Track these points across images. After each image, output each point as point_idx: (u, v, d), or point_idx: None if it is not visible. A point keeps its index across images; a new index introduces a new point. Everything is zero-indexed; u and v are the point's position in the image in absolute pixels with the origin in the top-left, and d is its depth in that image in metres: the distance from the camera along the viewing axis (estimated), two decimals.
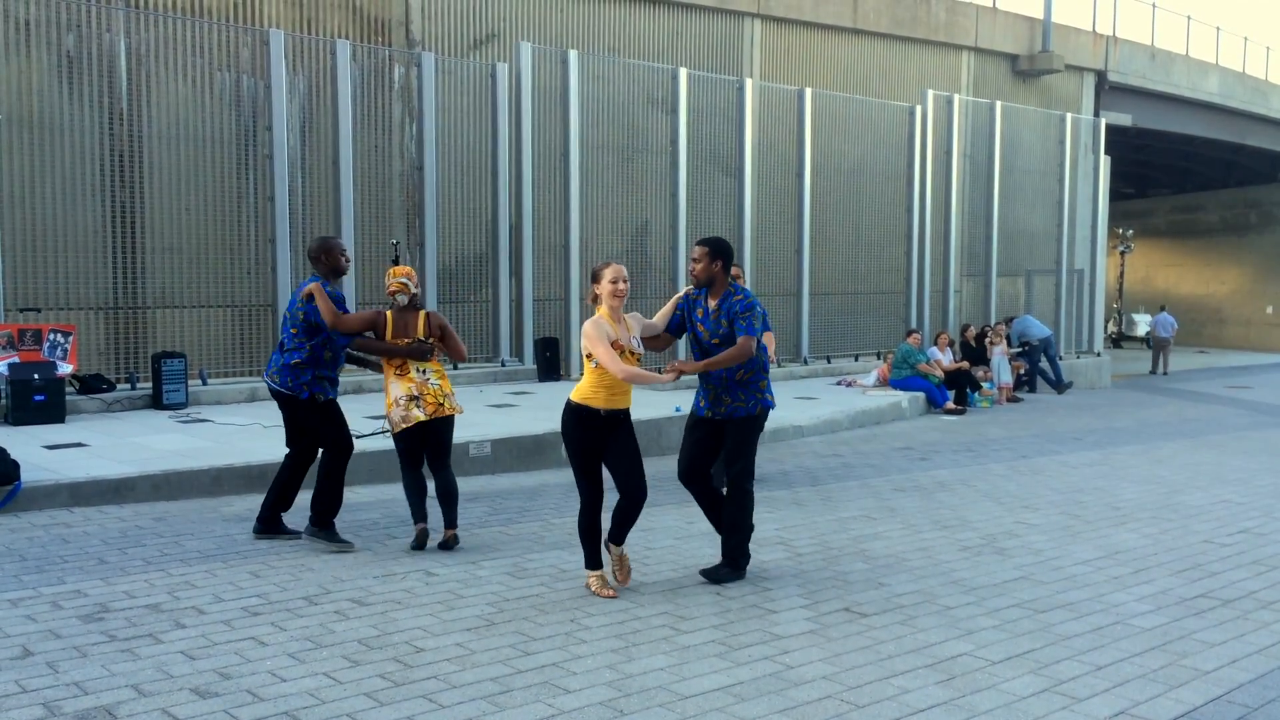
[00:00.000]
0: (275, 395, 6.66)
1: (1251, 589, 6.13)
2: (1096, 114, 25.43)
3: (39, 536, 6.66)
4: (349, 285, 12.92)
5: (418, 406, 6.49)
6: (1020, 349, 18.55)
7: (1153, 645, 5.10)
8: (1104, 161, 22.60)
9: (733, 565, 6.08)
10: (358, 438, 9.27)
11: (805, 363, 17.06)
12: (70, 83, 11.54)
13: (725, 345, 5.87)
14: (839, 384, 15.91)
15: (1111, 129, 24.77)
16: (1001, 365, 17.31)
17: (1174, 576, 6.38)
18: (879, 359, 16.22)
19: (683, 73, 15.65)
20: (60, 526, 6.93)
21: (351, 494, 8.21)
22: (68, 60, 11.52)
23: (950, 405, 15.35)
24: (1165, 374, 25.89)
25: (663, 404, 11.81)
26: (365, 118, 13.42)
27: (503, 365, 14.26)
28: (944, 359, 16.30)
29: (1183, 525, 7.84)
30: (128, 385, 11.51)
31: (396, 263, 9.91)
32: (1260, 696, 4.50)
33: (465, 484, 8.83)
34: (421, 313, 6.71)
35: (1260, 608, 5.76)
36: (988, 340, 17.78)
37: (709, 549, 6.75)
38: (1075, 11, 26.16)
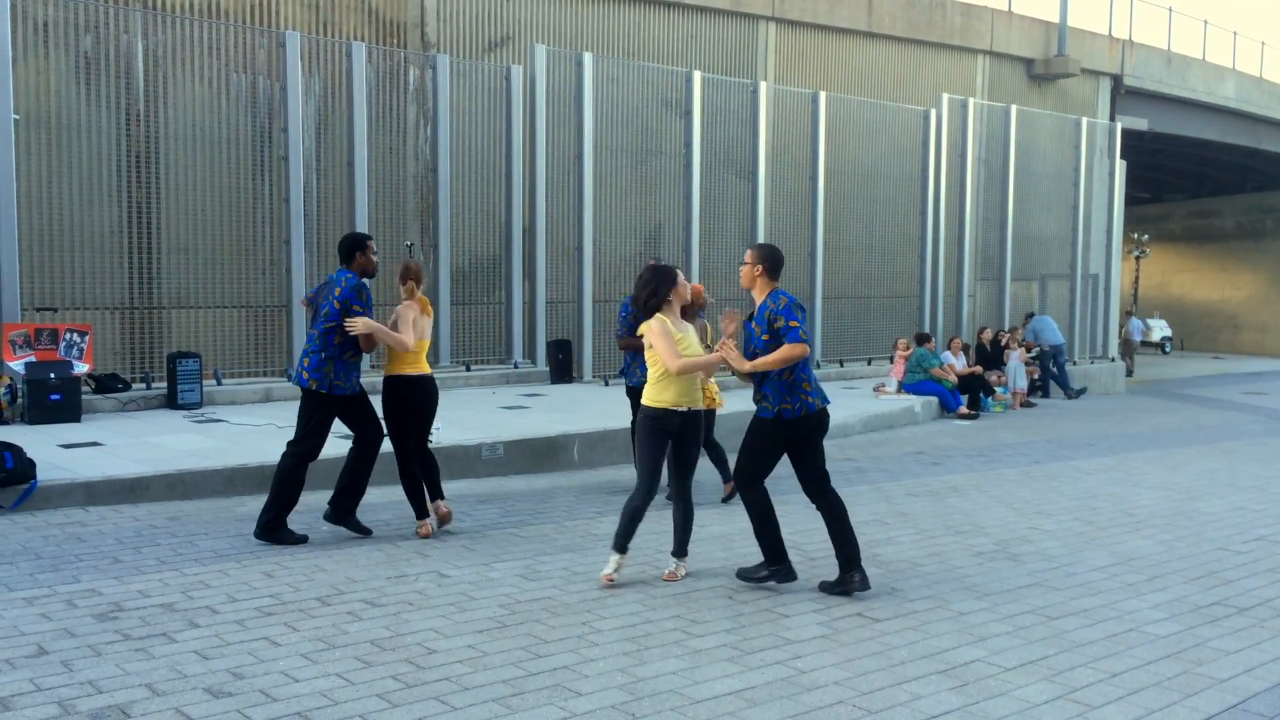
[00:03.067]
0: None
1: (1267, 597, 6.10)
2: (1112, 118, 25.35)
3: (54, 535, 6.70)
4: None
5: None
6: (1033, 355, 18.49)
7: (1167, 653, 5.08)
8: (1119, 166, 22.52)
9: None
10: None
11: (818, 366, 17.04)
12: (87, 84, 11.61)
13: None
14: (874, 390, 15.70)
15: (1127, 133, 24.70)
16: (1017, 370, 17.25)
17: (1189, 584, 6.35)
18: (890, 362, 16.20)
19: (697, 76, 15.65)
20: (75, 525, 6.97)
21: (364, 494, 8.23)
22: (85, 61, 11.59)
23: (963, 410, 15.30)
24: (1129, 375, 25.84)
25: None
26: (380, 120, 13.46)
27: (515, 367, 14.28)
28: (957, 363, 16.25)
29: (1197, 532, 7.80)
30: (143, 385, 11.56)
31: None
32: (1276, 705, 4.47)
33: (477, 486, 8.85)
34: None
35: (1276, 615, 5.73)
36: (1004, 345, 17.72)
37: (720, 552, 6.75)
38: (1091, 16, 26.21)
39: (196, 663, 4.57)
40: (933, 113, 18.75)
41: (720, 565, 6.44)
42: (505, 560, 6.42)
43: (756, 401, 5.89)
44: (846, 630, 5.26)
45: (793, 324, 5.72)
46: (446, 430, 9.53)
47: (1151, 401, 19.43)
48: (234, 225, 12.52)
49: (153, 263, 12.08)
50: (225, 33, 12.47)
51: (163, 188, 12.07)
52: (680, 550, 6.16)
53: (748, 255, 6.03)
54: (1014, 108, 20.15)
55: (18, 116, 10.89)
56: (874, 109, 18.42)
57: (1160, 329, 39.11)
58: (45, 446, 8.63)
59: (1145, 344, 38.58)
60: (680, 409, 5.90)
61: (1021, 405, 17.05)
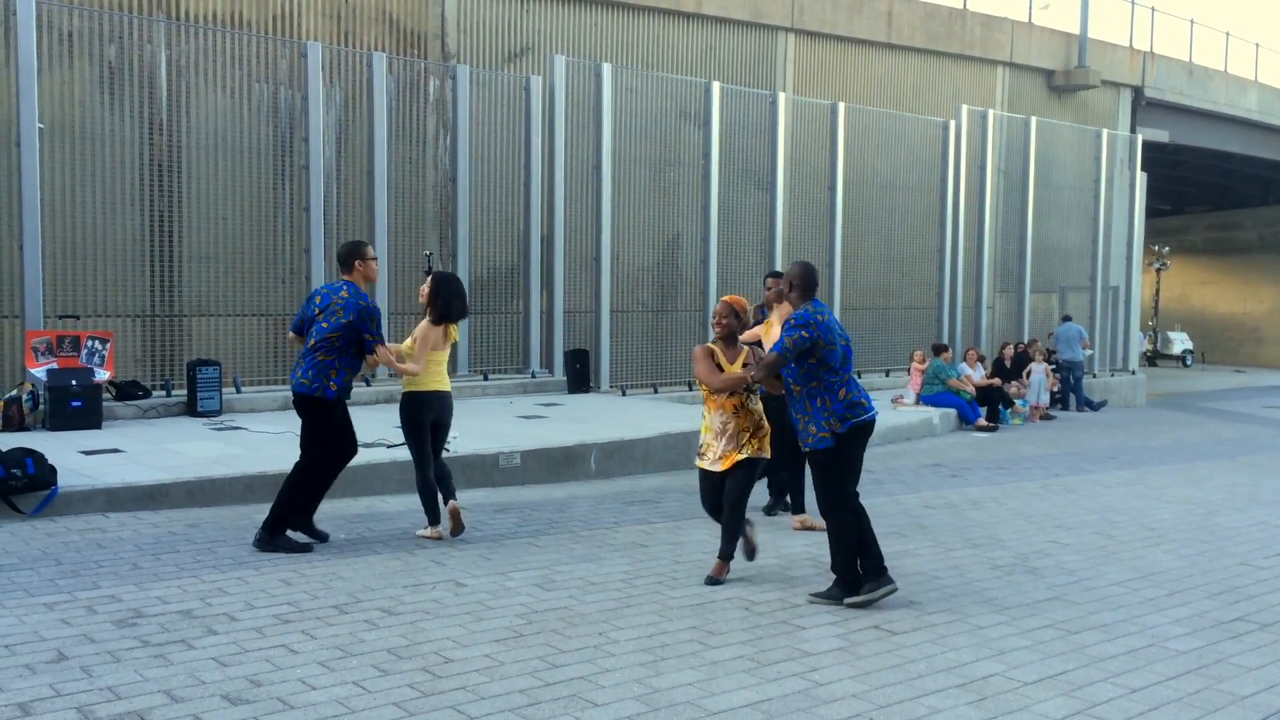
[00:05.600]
0: None
1: None
2: (1133, 130, 25.23)
3: (75, 541, 6.74)
4: (380, 294, 13.02)
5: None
6: (1054, 366, 18.39)
7: (1188, 669, 5.03)
8: (1140, 178, 22.41)
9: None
10: (388, 447, 9.34)
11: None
12: (111, 93, 11.71)
13: None
14: (891, 402, 15.65)
15: (1148, 145, 24.57)
16: (1040, 384, 17.11)
17: (1210, 599, 6.29)
18: (908, 374, 16.14)
19: (715, 86, 15.66)
20: (95, 531, 7.01)
21: (381, 503, 8.27)
22: (109, 71, 11.69)
23: (982, 422, 15.23)
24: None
25: (692, 418, 11.79)
26: (400, 129, 13.53)
27: (533, 377, 14.30)
28: (975, 375, 16.18)
29: (1219, 547, 7.74)
30: (163, 392, 11.63)
31: (429, 274, 9.94)
32: None
33: (494, 495, 8.85)
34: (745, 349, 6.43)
35: None
36: (1030, 356, 17.61)
37: (738, 563, 6.73)
38: (1112, 27, 25.97)
39: (215, 669, 4.58)
40: (952, 124, 18.71)
41: (737, 576, 6.42)
42: (522, 570, 6.43)
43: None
44: (864, 643, 5.24)
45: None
46: (464, 439, 9.55)
47: (1172, 415, 19.29)
48: (255, 234, 12.59)
49: (174, 271, 12.16)
50: (247, 43, 12.56)
51: (185, 196, 12.16)
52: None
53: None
54: (1034, 119, 20.09)
55: (42, 125, 11.00)
56: (893, 120, 18.39)
57: (1181, 342, 38.84)
58: (66, 453, 8.69)
59: (1165, 356, 38.38)
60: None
61: (1041, 418, 16.96)
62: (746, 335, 6.71)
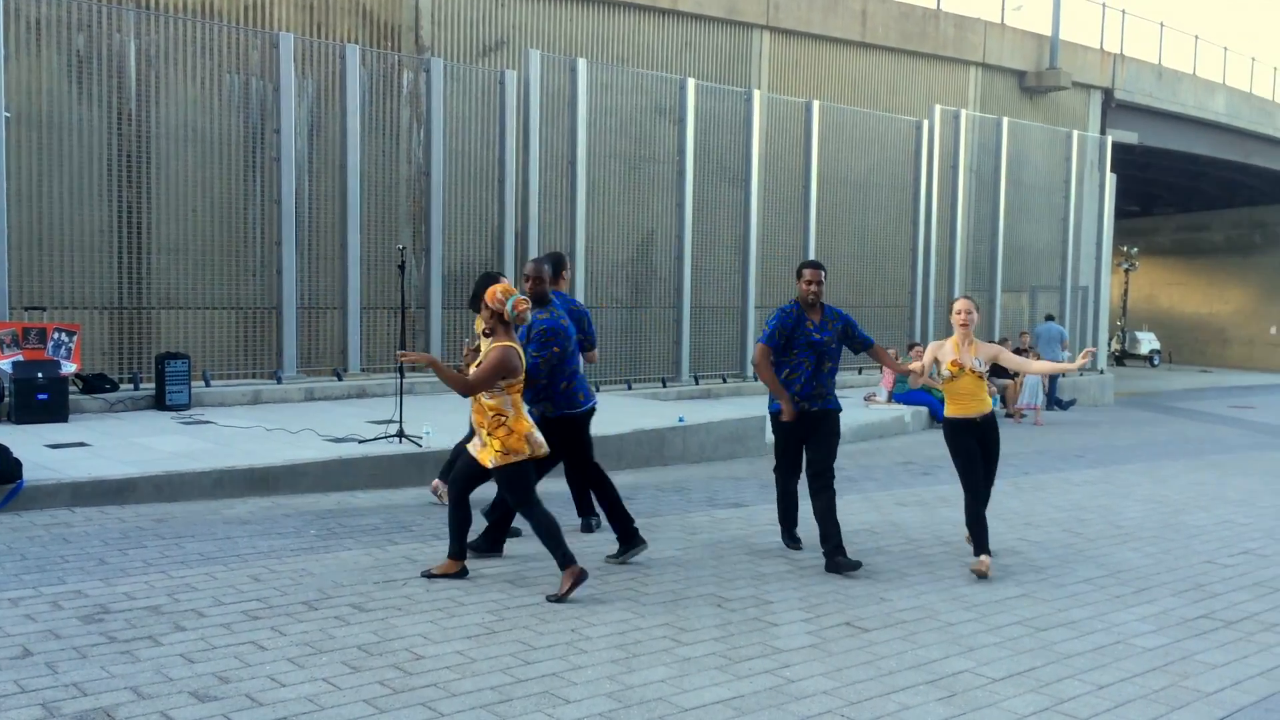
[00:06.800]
0: None
1: (1254, 611, 6.12)
2: (1103, 131, 25.47)
3: (40, 536, 6.65)
4: (352, 289, 12.94)
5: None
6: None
7: (1154, 665, 5.09)
8: (1110, 179, 22.62)
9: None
10: (360, 442, 9.28)
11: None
12: (79, 82, 11.57)
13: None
14: (864, 400, 15.72)
15: (1118, 147, 24.80)
16: (1034, 385, 17.13)
17: (1176, 597, 6.36)
18: (880, 372, 16.21)
19: (691, 83, 15.67)
20: (61, 526, 6.92)
21: (352, 498, 8.22)
22: (77, 60, 11.55)
23: None
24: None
25: (666, 415, 11.80)
26: (373, 122, 13.44)
27: None
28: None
29: (1185, 545, 7.83)
30: (131, 385, 11.50)
31: (402, 269, 9.87)
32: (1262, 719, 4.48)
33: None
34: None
35: (1262, 630, 5.75)
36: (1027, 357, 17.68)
37: (712, 560, 6.74)
38: (1083, 29, 26.23)
39: (182, 666, 4.54)
40: (925, 123, 18.81)
41: (710, 573, 6.44)
42: (494, 566, 6.41)
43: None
44: (835, 640, 5.26)
45: None
46: (440, 435, 9.49)
47: (1140, 414, 19.50)
48: (225, 226, 12.47)
49: (142, 262, 12.03)
50: (218, 33, 12.44)
51: (153, 187, 12.02)
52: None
53: None
54: (1005, 119, 20.23)
55: (9, 114, 10.84)
56: (867, 119, 18.47)
57: (1149, 342, 39.27)
58: (32, 446, 8.58)
59: (1133, 356, 38.78)
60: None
61: (1021, 418, 16.98)
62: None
